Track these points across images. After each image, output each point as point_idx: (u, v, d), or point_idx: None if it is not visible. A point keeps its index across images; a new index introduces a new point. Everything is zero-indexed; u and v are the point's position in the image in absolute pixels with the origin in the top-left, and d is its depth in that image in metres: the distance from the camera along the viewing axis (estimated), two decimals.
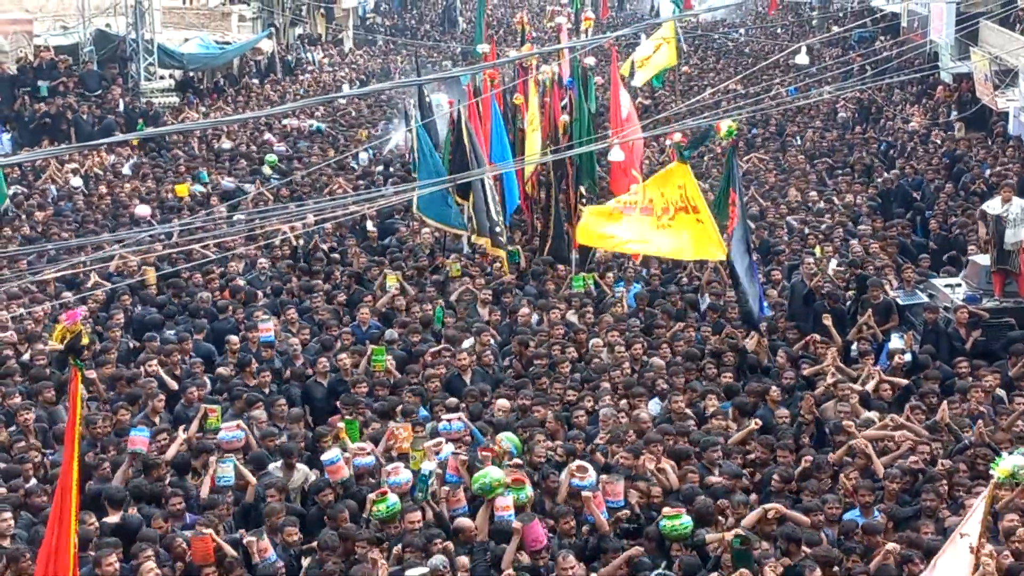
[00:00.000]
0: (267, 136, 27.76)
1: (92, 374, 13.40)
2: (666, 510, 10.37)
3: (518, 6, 55.64)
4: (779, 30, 47.75)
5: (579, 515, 10.69)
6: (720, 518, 10.70)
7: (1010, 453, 8.49)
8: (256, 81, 36.50)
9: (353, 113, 31.57)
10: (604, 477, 11.05)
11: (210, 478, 11.27)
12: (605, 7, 48.29)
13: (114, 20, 33.33)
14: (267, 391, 13.76)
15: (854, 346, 14.85)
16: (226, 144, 26.49)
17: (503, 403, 13.11)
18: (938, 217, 20.22)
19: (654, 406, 13.33)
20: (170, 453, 11.90)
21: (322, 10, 47.38)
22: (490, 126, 19.09)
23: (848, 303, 16.31)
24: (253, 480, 11.37)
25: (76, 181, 23.34)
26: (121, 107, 29.48)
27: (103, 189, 22.79)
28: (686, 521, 10.18)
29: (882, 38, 38.67)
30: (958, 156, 24.44)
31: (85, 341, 14.20)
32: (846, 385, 13.17)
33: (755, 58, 39.16)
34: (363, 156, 25.22)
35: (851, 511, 10.98)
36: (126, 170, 24.82)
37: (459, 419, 12.40)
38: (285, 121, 29.14)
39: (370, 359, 14.29)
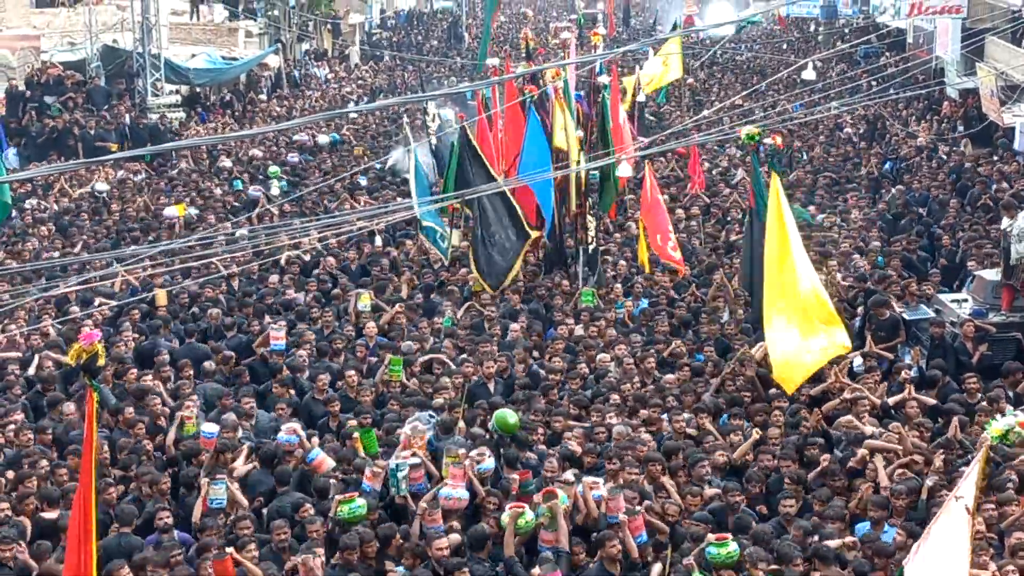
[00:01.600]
0: (253, 151, 27.61)
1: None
2: (711, 536, 10.15)
3: (525, 23, 55.69)
4: (784, 46, 47.82)
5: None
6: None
7: (1003, 415, 8.48)
8: (263, 96, 36.62)
9: (354, 128, 31.61)
10: (604, 493, 10.96)
11: (202, 500, 11.16)
12: (612, 24, 48.45)
13: (121, 36, 33.50)
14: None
15: (857, 362, 14.78)
16: (226, 163, 26.46)
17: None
18: (947, 232, 20.19)
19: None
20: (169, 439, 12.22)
21: (329, 26, 47.54)
22: (524, 136, 18.85)
23: (856, 319, 16.28)
24: (244, 502, 11.25)
25: (102, 186, 23.45)
26: (128, 120, 29.59)
27: (115, 206, 22.85)
28: (735, 549, 9.96)
29: (888, 54, 38.73)
30: (964, 171, 24.40)
31: (102, 362, 14.20)
32: (864, 398, 13.11)
33: (761, 73, 39.24)
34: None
35: (860, 523, 10.95)
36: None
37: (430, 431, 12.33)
38: (296, 137, 29.19)
39: (387, 368, 14.29)
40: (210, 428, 12.25)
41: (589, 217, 18.32)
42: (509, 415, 12.38)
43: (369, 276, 18.34)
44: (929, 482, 11.20)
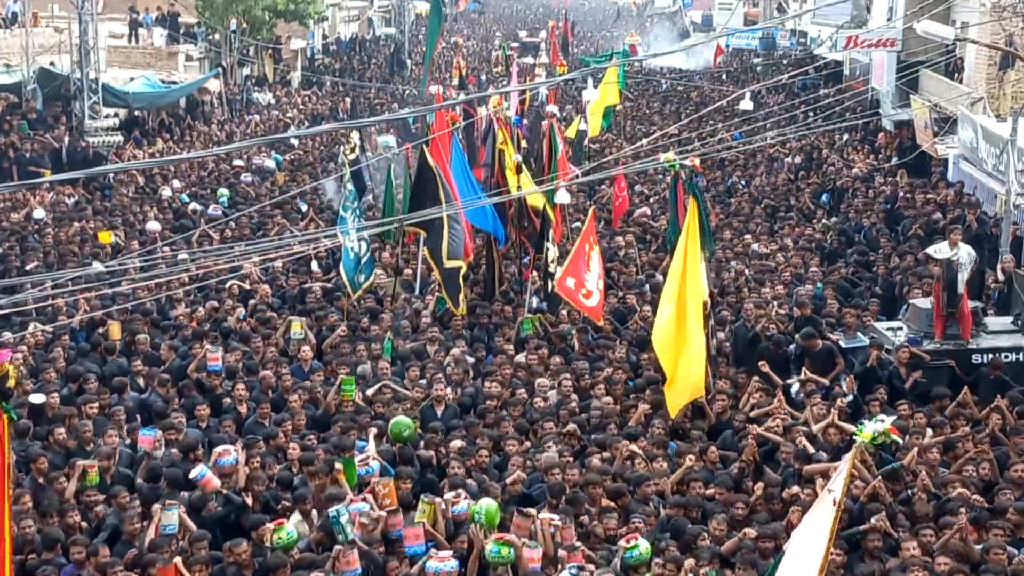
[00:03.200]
0: (174, 182, 27.09)
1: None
2: (622, 542, 10.50)
3: (458, 51, 55.81)
4: (724, 76, 48.36)
5: None
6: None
7: (871, 420, 8.83)
8: (200, 121, 36.33)
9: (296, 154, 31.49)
10: (556, 523, 10.93)
11: (155, 526, 11.06)
12: (555, 52, 48.76)
13: (58, 58, 33.11)
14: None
15: (795, 388, 14.91)
16: (166, 192, 26.12)
17: (455, 444, 12.94)
18: (883, 261, 20.44)
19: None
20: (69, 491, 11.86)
21: (270, 51, 47.35)
22: (450, 165, 18.96)
23: (792, 346, 16.42)
24: (194, 527, 11.15)
25: (39, 213, 23.15)
26: (67, 142, 29.21)
27: (47, 231, 22.49)
28: (646, 548, 10.40)
29: (825, 85, 39.31)
30: (898, 201, 24.74)
31: (12, 383, 13.93)
32: (796, 427, 13.23)
33: (700, 103, 39.63)
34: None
35: None
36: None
37: (374, 459, 12.25)
38: (236, 162, 29.00)
39: (339, 389, 14.25)
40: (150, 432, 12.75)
41: (548, 244, 18.27)
42: (405, 424, 12.75)
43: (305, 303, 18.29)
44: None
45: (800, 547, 8.03)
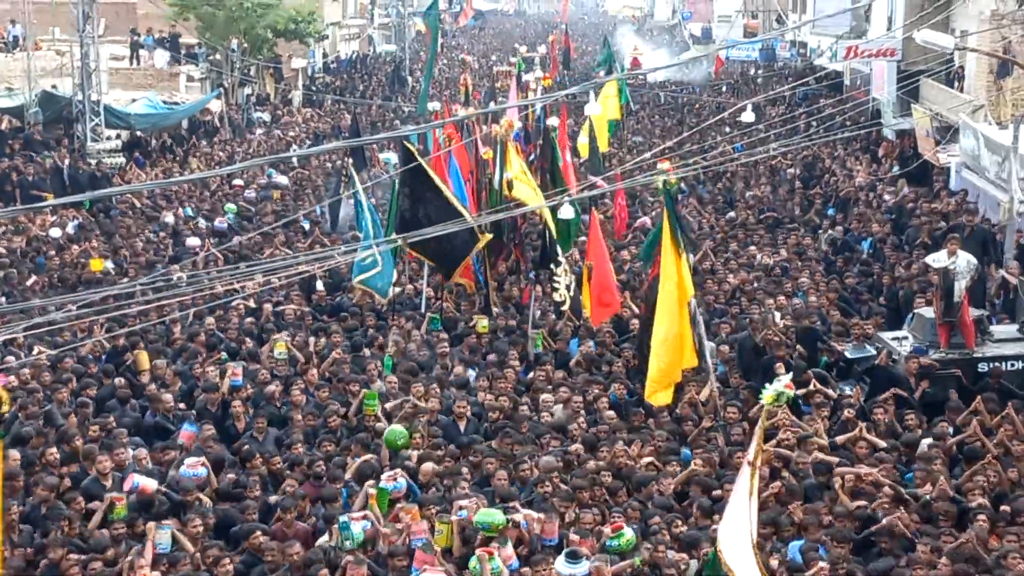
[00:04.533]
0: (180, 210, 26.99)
1: None
2: (606, 530, 10.76)
3: (464, 68, 55.86)
4: (724, 88, 48.39)
5: None
6: None
7: (772, 383, 9.11)
8: (204, 142, 36.39)
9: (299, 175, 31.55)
10: (541, 516, 11.06)
11: (150, 544, 11.02)
12: (555, 66, 48.86)
13: (60, 81, 33.21)
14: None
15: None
16: (168, 218, 26.06)
17: (427, 467, 12.82)
18: (888, 271, 20.41)
19: None
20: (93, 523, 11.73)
21: (271, 70, 47.43)
22: (450, 182, 19.04)
23: (794, 358, 16.39)
24: (191, 547, 11.13)
25: (56, 232, 23.18)
26: (67, 163, 29.24)
27: (52, 252, 22.50)
28: (631, 536, 10.71)
29: (825, 95, 39.32)
30: (903, 210, 24.71)
31: (4, 409, 13.91)
32: (812, 439, 13.24)
33: (701, 115, 39.66)
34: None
35: (793, 542, 11.12)
36: (69, 229, 24.53)
37: (401, 476, 12.24)
38: (236, 182, 29.04)
39: (361, 404, 14.33)
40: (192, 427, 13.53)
41: (560, 257, 18.22)
42: (400, 433, 12.99)
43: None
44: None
45: (733, 515, 8.60)
